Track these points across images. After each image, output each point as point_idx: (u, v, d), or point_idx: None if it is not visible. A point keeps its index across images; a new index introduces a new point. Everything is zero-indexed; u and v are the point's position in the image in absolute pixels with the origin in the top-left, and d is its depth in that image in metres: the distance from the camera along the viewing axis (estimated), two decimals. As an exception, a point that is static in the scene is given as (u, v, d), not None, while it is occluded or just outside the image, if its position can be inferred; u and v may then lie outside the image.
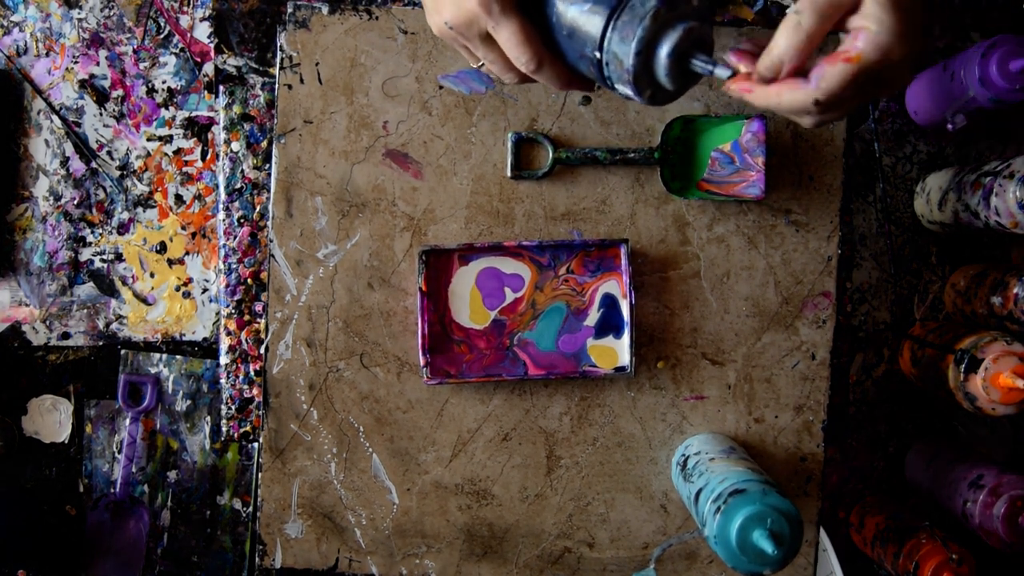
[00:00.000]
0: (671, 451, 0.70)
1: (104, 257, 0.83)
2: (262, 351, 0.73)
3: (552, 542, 0.70)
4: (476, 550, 0.70)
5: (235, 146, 0.78)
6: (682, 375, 0.69)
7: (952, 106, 0.83)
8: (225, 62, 0.80)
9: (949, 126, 0.83)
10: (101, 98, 0.82)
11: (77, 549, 0.85)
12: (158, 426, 0.84)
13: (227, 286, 0.78)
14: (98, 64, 0.82)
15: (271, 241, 0.68)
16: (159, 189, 0.83)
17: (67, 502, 0.85)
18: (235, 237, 0.78)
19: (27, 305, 0.83)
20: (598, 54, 0.42)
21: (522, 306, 0.68)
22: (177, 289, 0.83)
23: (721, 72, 0.41)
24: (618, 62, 0.41)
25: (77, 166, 0.82)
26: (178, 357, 0.84)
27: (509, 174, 0.68)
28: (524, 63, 0.45)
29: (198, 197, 0.83)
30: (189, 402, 0.84)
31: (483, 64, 0.48)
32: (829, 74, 0.40)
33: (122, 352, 0.83)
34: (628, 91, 0.42)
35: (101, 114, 0.82)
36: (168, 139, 0.83)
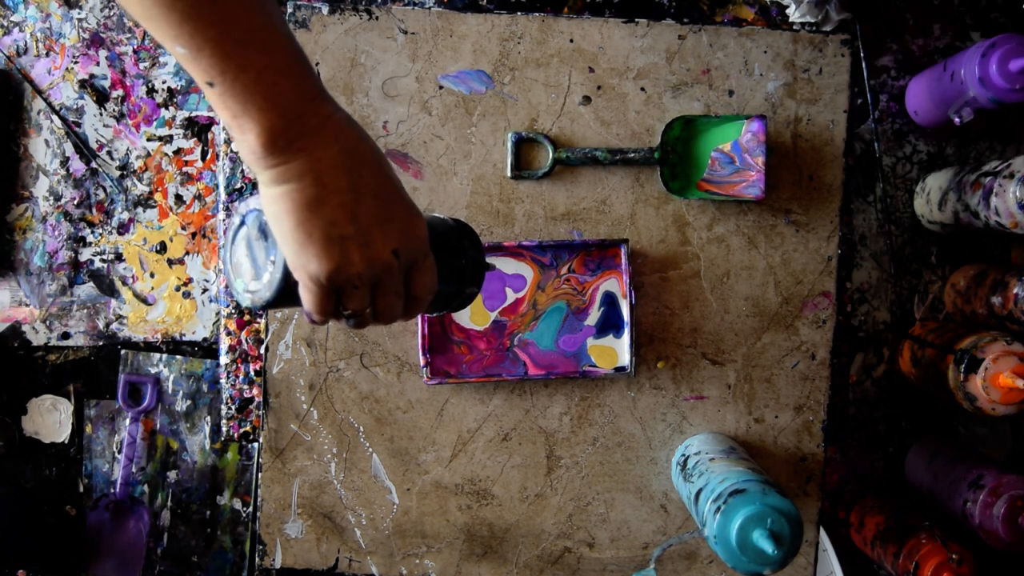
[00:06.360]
0: (671, 451, 0.70)
1: (104, 257, 0.83)
2: (262, 351, 0.73)
3: (552, 542, 0.70)
4: (476, 550, 0.70)
5: (235, 146, 0.78)
6: (682, 375, 0.69)
7: (952, 106, 0.83)
8: (225, 62, 0.79)
9: (956, 120, 0.82)
10: (101, 98, 0.82)
11: (77, 549, 0.85)
12: (158, 426, 0.84)
13: (227, 286, 0.78)
14: (98, 64, 0.82)
15: (271, 241, 0.68)
16: (159, 189, 0.83)
17: (67, 502, 0.85)
18: (235, 237, 0.78)
19: (27, 305, 0.83)
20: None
21: (523, 306, 0.68)
22: (177, 289, 0.83)
23: None
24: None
25: (77, 166, 0.82)
26: (178, 357, 0.84)
27: (509, 174, 0.68)
28: (430, 292, 0.42)
29: (198, 197, 0.83)
30: (189, 402, 0.84)
31: (349, 313, 0.40)
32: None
33: (122, 352, 0.83)
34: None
35: (101, 114, 0.82)
36: (168, 139, 0.82)
